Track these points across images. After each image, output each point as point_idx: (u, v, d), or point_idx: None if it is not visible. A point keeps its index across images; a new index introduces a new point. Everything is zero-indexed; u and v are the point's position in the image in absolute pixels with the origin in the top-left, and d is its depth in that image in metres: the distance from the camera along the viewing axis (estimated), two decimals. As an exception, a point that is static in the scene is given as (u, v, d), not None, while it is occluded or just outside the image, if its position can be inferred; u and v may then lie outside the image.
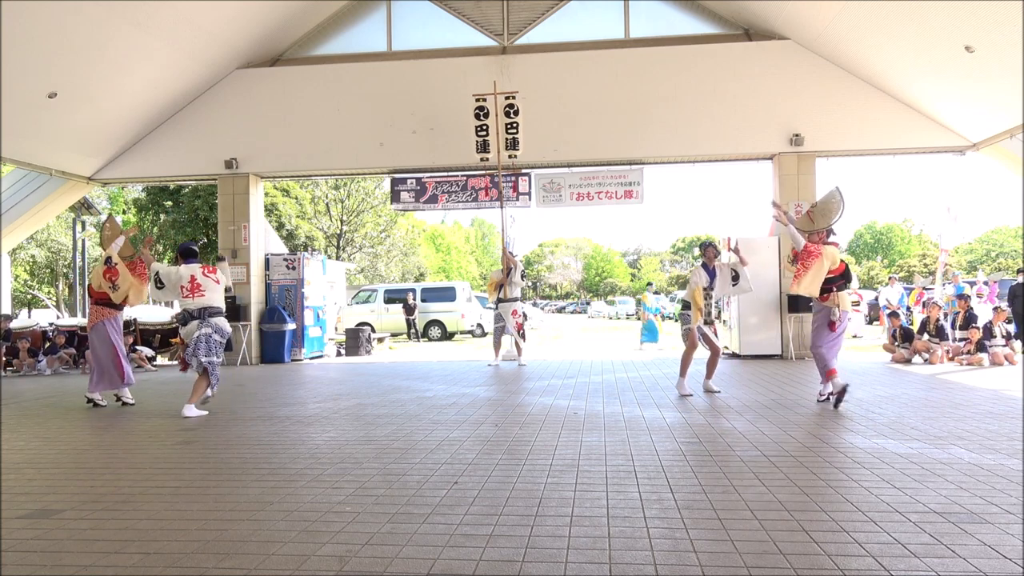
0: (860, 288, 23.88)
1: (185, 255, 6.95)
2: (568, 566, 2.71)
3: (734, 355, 12.05)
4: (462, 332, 22.78)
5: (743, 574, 2.60)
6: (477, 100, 11.69)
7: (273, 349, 12.97)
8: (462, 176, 12.84)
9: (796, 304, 11.38)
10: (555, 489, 3.81)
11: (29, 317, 27.62)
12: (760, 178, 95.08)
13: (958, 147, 11.70)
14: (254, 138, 12.90)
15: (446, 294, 22.96)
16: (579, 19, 12.67)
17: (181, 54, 11.58)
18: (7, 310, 14.67)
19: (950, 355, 10.67)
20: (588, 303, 57.60)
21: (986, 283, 16.18)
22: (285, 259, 13.56)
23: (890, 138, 11.69)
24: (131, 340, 11.97)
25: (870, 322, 23.09)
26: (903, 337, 11.06)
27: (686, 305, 7.63)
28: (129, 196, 30.07)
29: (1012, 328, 10.85)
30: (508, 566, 2.73)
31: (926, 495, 3.57)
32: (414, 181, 12.98)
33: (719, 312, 11.88)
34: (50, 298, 31.09)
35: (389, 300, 22.96)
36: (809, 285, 6.39)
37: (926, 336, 10.82)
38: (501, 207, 12.09)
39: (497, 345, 11.78)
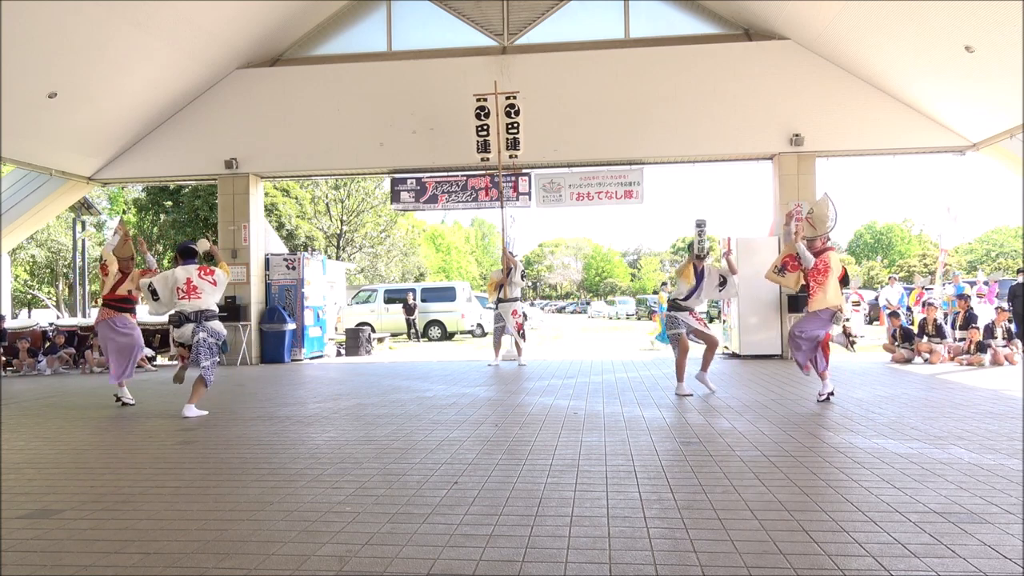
0: (861, 288, 23.88)
1: (184, 255, 6.89)
2: (568, 566, 2.71)
3: (734, 355, 12.05)
4: (462, 332, 22.78)
5: (743, 574, 2.60)
6: (478, 100, 11.70)
7: (273, 349, 12.98)
8: (462, 176, 12.84)
9: (796, 304, 11.38)
10: (555, 489, 3.81)
11: (29, 317, 27.65)
12: (760, 178, 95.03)
13: (958, 147, 11.70)
14: (254, 138, 12.90)
15: (446, 294, 22.97)
16: (579, 19, 12.67)
17: (181, 54, 11.58)
18: (7, 310, 14.67)
19: (951, 355, 10.67)
20: (588, 303, 57.60)
21: (986, 283, 16.18)
22: (285, 259, 13.56)
23: (890, 138, 11.69)
24: None
25: (870, 322, 23.08)
26: (903, 337, 11.06)
27: (673, 305, 7.62)
28: (129, 196, 30.08)
29: (1013, 328, 10.85)
30: (508, 566, 2.73)
31: (926, 495, 3.57)
32: (414, 181, 12.98)
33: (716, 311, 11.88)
34: (50, 298, 31.09)
35: (389, 300, 22.97)
36: (833, 297, 6.63)
37: (925, 338, 10.81)
38: (501, 207, 12.09)
39: (497, 345, 11.78)
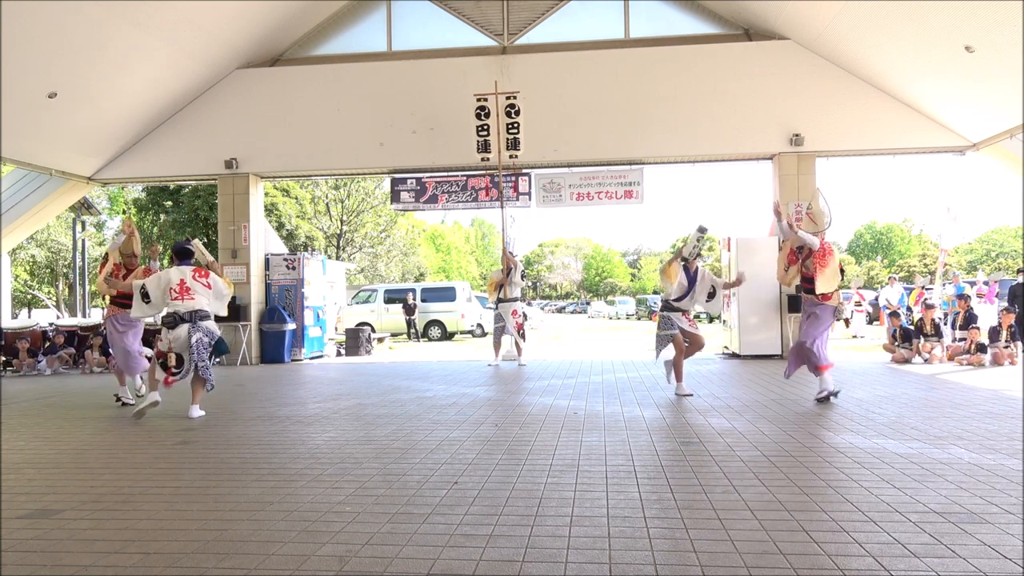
0: (861, 288, 23.87)
1: (180, 255, 6.82)
2: (568, 566, 2.71)
3: (734, 355, 12.05)
4: (462, 332, 22.78)
5: (743, 574, 2.60)
6: (478, 100, 11.70)
7: (273, 349, 12.97)
8: (462, 176, 12.84)
9: (796, 304, 11.36)
10: (555, 489, 3.81)
11: (29, 317, 27.66)
12: (760, 178, 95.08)
13: (958, 147, 11.70)
14: (254, 138, 12.90)
15: (446, 294, 22.97)
16: (579, 19, 12.67)
17: (181, 54, 11.58)
18: (7, 310, 14.67)
19: (949, 354, 10.68)
20: (588, 303, 57.60)
21: (986, 283, 16.17)
22: (285, 259, 13.56)
23: (890, 138, 11.69)
24: None
25: (870, 322, 23.08)
26: (903, 337, 11.06)
27: (666, 306, 7.60)
28: (129, 196, 30.09)
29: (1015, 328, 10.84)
30: (508, 566, 2.73)
31: (926, 495, 3.57)
32: (414, 181, 12.98)
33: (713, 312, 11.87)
34: (50, 298, 31.10)
35: (389, 300, 22.97)
36: (833, 279, 6.62)
37: (923, 339, 10.81)
38: (501, 207, 12.09)
39: (497, 345, 11.78)
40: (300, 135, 12.80)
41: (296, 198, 29.14)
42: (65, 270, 29.20)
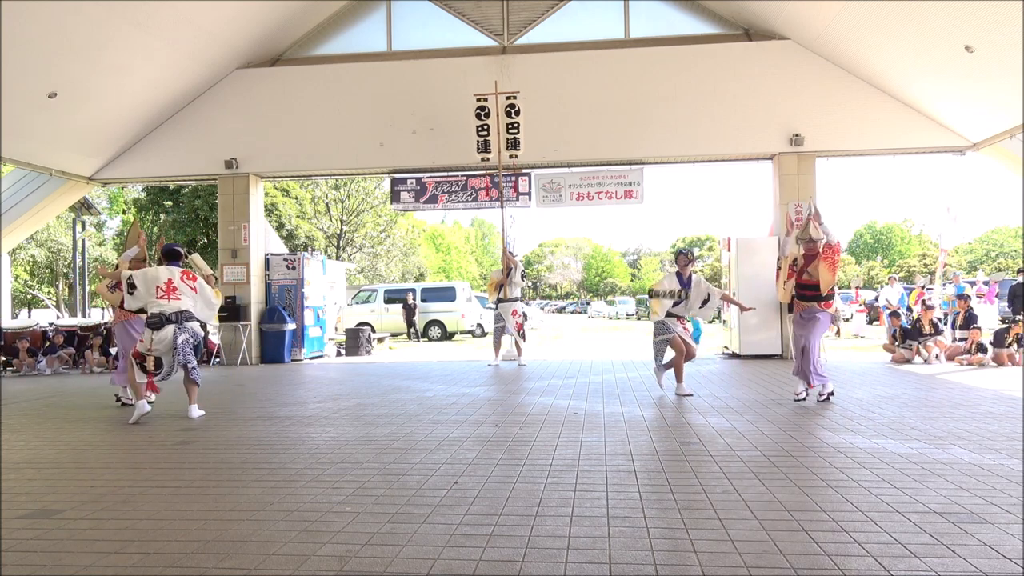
0: (861, 288, 23.89)
1: (168, 256, 6.74)
2: (568, 566, 2.71)
3: (734, 355, 12.05)
4: (462, 332, 22.78)
5: (743, 574, 2.60)
6: (478, 100, 11.69)
7: (273, 349, 12.97)
8: (462, 176, 12.84)
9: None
10: (555, 489, 3.81)
11: (29, 317, 27.67)
12: (760, 178, 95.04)
13: (958, 147, 11.69)
14: (254, 138, 12.90)
15: (446, 294, 22.97)
16: (579, 19, 12.67)
17: (181, 54, 11.58)
18: (7, 310, 14.67)
19: (949, 353, 10.67)
20: (588, 303, 57.61)
21: (986, 283, 16.19)
22: (285, 259, 13.56)
23: (890, 138, 11.69)
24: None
25: (870, 322, 23.09)
26: (903, 337, 11.06)
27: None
28: (129, 196, 30.09)
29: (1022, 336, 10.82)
30: (508, 566, 2.73)
31: (926, 495, 3.57)
32: (414, 181, 12.98)
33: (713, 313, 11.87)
34: (50, 298, 31.10)
35: (389, 300, 22.97)
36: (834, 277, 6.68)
37: (920, 339, 10.80)
38: (501, 207, 12.09)
39: (497, 345, 11.78)
40: (300, 135, 12.80)
41: (296, 198, 29.14)
42: (65, 270, 29.20)
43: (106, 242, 32.07)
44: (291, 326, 13.10)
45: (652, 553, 2.82)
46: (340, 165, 13.16)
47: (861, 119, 11.62)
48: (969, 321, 10.96)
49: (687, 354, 7.59)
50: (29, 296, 30.86)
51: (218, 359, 12.81)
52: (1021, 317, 11.24)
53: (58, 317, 25.73)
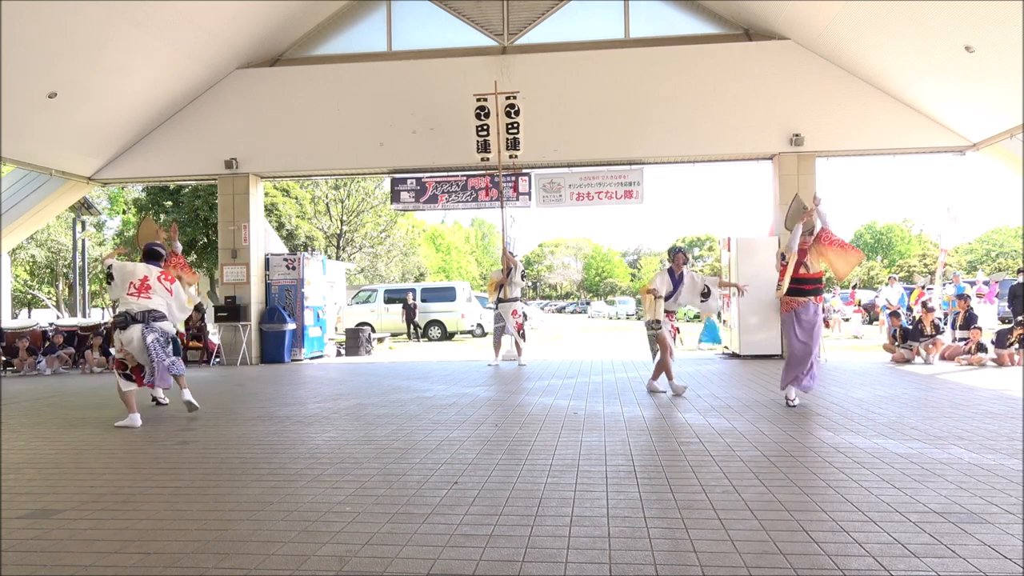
0: (861, 288, 23.89)
1: (147, 256, 6.66)
2: (568, 566, 2.71)
3: (734, 355, 12.05)
4: (462, 332, 22.78)
5: (743, 574, 2.60)
6: (478, 100, 11.69)
7: (273, 349, 12.97)
8: (462, 176, 12.84)
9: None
10: (555, 489, 3.81)
11: (29, 317, 27.67)
12: (760, 178, 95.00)
13: (958, 147, 11.70)
14: (254, 138, 12.90)
15: (446, 294, 22.97)
16: (579, 19, 12.67)
17: (181, 54, 11.58)
18: (7, 310, 14.67)
19: (949, 353, 10.67)
20: (588, 303, 57.60)
21: (986, 283, 16.19)
22: (285, 259, 13.56)
23: (890, 138, 11.69)
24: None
25: (870, 322, 23.09)
26: (903, 337, 11.06)
27: None
28: (129, 196, 30.08)
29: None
30: (508, 566, 2.73)
31: (926, 495, 3.57)
32: (414, 181, 12.98)
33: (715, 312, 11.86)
34: (50, 298, 31.10)
35: (389, 300, 22.97)
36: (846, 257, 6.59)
37: (921, 340, 10.80)
38: (501, 207, 12.09)
39: (497, 345, 11.78)
40: (300, 135, 12.80)
41: (296, 198, 29.13)
42: (65, 270, 29.20)
43: (106, 242, 32.06)
44: (291, 326, 13.10)
45: (652, 553, 2.82)
46: (340, 165, 13.16)
47: (861, 119, 11.62)
48: (969, 321, 10.95)
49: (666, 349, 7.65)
50: (29, 296, 30.86)
51: (218, 359, 12.81)
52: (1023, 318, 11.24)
53: (58, 317, 25.74)
